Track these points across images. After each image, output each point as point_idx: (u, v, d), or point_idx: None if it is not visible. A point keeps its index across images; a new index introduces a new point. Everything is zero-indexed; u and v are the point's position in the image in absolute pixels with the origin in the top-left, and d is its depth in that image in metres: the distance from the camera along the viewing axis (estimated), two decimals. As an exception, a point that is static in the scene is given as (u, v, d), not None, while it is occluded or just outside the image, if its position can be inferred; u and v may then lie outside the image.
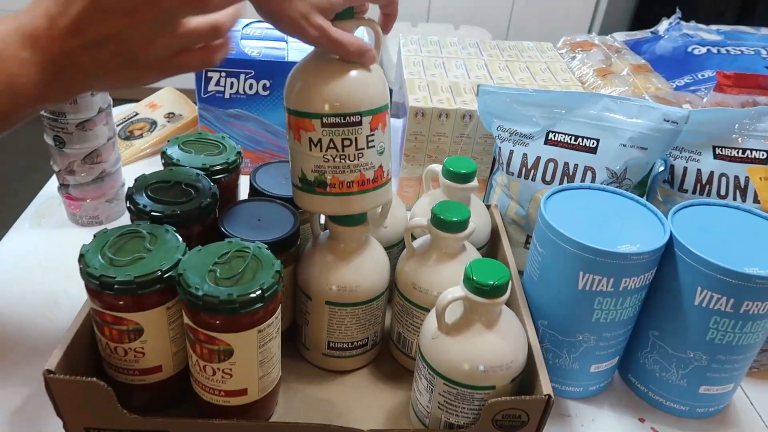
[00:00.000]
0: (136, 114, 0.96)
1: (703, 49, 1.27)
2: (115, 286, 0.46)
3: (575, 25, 2.42)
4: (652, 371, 0.59)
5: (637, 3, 2.94)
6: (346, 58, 0.49)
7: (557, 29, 2.45)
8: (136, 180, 0.58)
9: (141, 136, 0.92)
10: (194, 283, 0.45)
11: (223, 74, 0.81)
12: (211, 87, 0.82)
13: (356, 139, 0.50)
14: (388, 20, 0.53)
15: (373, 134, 0.50)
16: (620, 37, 1.40)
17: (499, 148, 0.71)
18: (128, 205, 0.55)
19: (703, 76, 1.22)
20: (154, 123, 0.94)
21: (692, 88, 1.19)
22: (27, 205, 0.81)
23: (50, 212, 0.79)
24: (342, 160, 0.50)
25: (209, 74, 0.81)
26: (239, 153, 0.64)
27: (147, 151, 0.91)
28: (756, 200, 0.67)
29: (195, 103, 0.98)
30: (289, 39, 0.87)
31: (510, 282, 0.49)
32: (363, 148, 0.50)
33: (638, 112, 0.66)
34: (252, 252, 0.49)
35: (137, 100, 0.99)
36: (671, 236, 0.54)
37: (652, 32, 1.41)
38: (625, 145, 0.66)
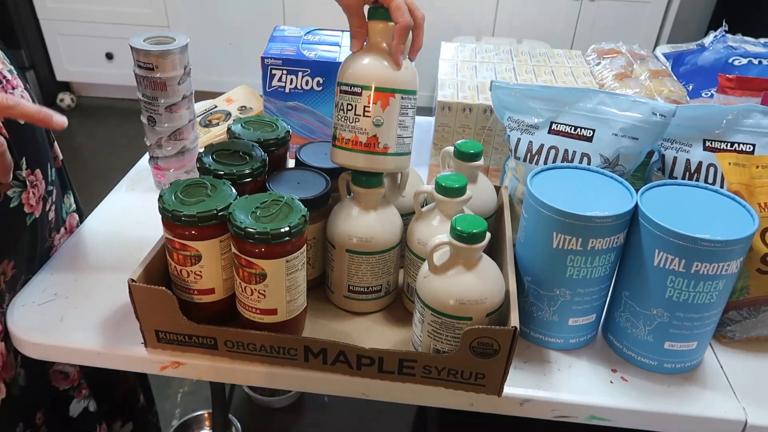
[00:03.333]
0: (215, 107, 1.13)
1: (744, 61, 1.31)
2: (183, 218, 0.61)
3: (643, 38, 2.45)
4: (625, 328, 0.68)
5: (711, 17, 2.91)
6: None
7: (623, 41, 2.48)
8: (206, 147, 0.73)
9: (218, 124, 1.09)
10: (240, 219, 0.60)
11: (285, 71, 0.97)
12: (275, 82, 0.98)
13: (355, 106, 0.65)
14: (413, 49, 0.68)
15: (369, 107, 0.64)
16: (665, 49, 1.46)
17: (509, 136, 0.82)
18: (197, 164, 0.71)
19: (738, 85, 1.26)
20: (228, 114, 1.11)
21: (726, 96, 1.23)
22: (123, 176, 1.00)
23: (142, 179, 0.97)
24: (344, 121, 0.66)
25: (273, 71, 0.97)
26: (288, 131, 0.79)
27: (222, 136, 1.08)
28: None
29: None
30: (343, 43, 1.02)
31: (486, 232, 0.60)
32: (360, 115, 0.65)
33: (629, 106, 0.75)
34: (285, 201, 0.63)
35: (218, 95, 1.17)
36: (636, 206, 0.63)
37: (698, 45, 1.46)
38: (616, 135, 0.75)
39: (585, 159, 0.77)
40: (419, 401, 0.66)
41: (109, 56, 2.74)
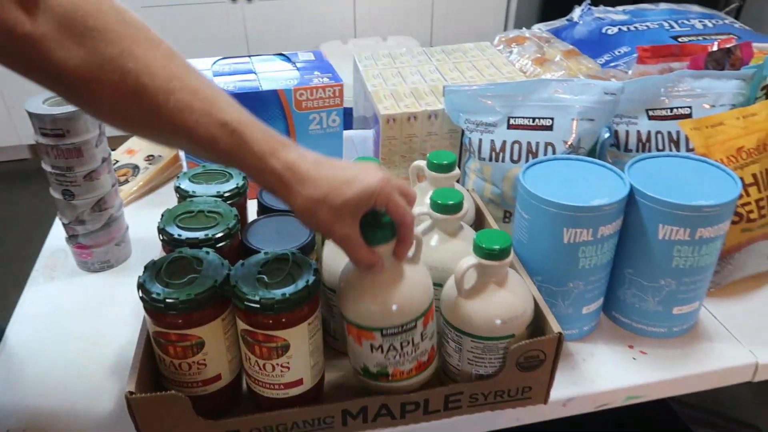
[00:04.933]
0: (117, 161, 1.00)
1: (615, 29, 1.42)
2: (180, 306, 0.52)
3: (492, 23, 2.58)
4: (632, 304, 0.70)
5: (542, 3, 3.16)
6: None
7: (476, 29, 2.60)
8: (162, 215, 0.63)
9: (127, 181, 0.96)
10: (249, 291, 0.52)
11: (204, 111, 0.87)
12: (194, 124, 0.87)
13: (412, 339, 0.57)
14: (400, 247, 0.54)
15: (425, 329, 0.58)
16: (541, 27, 1.54)
17: (469, 138, 0.80)
18: (162, 237, 0.61)
19: (619, 52, 1.36)
20: (136, 167, 0.98)
21: (613, 64, 1.33)
22: (30, 263, 0.84)
23: (59, 264, 0.82)
24: (401, 357, 0.57)
25: (191, 113, 0.86)
26: (245, 177, 0.71)
27: (135, 195, 0.95)
28: (689, 148, 0.79)
29: (172, 142, 1.03)
30: (258, 70, 0.94)
31: (511, 245, 0.58)
32: (419, 343, 0.57)
33: (582, 89, 0.77)
34: (288, 257, 0.56)
35: (113, 149, 1.03)
36: (631, 187, 0.64)
37: (567, 20, 1.56)
38: (575, 119, 0.77)
39: (549, 148, 0.78)
40: (466, 432, 0.63)
41: None
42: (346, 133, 1.08)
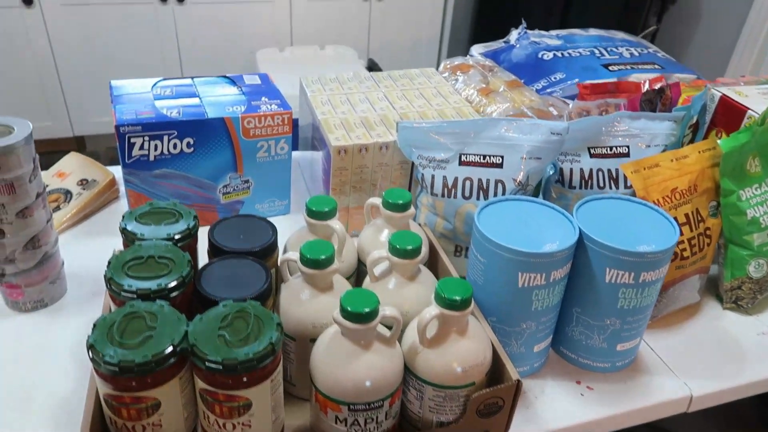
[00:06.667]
0: (47, 186, 0.93)
1: (550, 54, 1.48)
2: (135, 369, 0.49)
3: (428, 32, 2.62)
4: (579, 341, 0.73)
5: (475, 14, 3.26)
6: None
7: (412, 39, 2.63)
8: (109, 262, 0.60)
9: (59, 208, 0.90)
10: (210, 351, 0.50)
11: (147, 138, 0.83)
12: (135, 152, 0.83)
13: (377, 416, 0.57)
14: None
15: (391, 408, 0.58)
16: (480, 49, 1.58)
17: (422, 174, 0.81)
18: (112, 287, 0.57)
19: (555, 78, 1.42)
20: (68, 193, 0.92)
21: (549, 90, 1.38)
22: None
23: (-15, 304, 0.76)
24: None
25: (132, 140, 0.82)
26: (195, 217, 0.68)
27: (67, 223, 0.90)
28: (627, 185, 0.83)
29: (106, 165, 0.98)
30: (202, 93, 0.91)
31: (472, 294, 0.58)
32: (383, 421, 0.58)
33: (530, 129, 0.79)
34: (252, 312, 0.54)
35: (43, 168, 0.96)
36: (580, 231, 0.67)
37: (505, 42, 1.60)
38: (524, 158, 0.79)
39: (500, 185, 0.80)
40: (425, 475, 0.63)
41: None
42: (293, 155, 1.06)
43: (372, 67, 2.21)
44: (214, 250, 0.68)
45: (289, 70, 2.04)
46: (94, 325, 0.52)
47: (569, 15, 2.64)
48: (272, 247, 0.68)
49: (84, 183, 0.94)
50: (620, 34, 1.74)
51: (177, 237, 0.65)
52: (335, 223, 0.69)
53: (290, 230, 0.74)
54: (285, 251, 0.73)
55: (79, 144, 2.49)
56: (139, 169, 0.85)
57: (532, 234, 0.66)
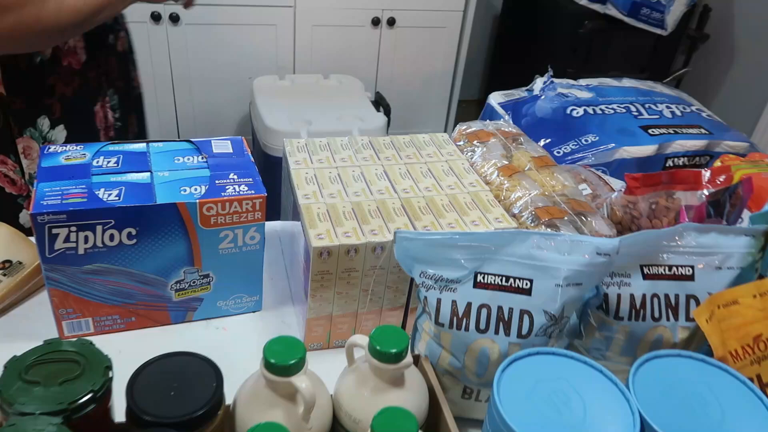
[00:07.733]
0: (-43, 269, 0.75)
1: (580, 110, 1.30)
2: None
3: (441, 66, 2.44)
4: None
5: (493, 47, 3.10)
6: None
7: (423, 73, 2.45)
8: None
9: (-33, 303, 0.72)
10: None
11: (74, 228, 0.64)
12: (59, 245, 0.65)
13: None
14: None
15: None
16: (499, 98, 1.39)
17: (425, 297, 0.62)
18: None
19: (586, 141, 1.24)
20: (-17, 280, 0.74)
21: (580, 154, 1.20)
22: None
23: None
24: None
25: (54, 231, 0.64)
26: (109, 366, 0.50)
27: (-23, 320, 0.71)
28: (689, 317, 0.65)
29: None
30: (155, 167, 0.73)
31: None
32: None
33: (570, 248, 0.61)
34: None
35: (-43, 247, 0.78)
36: (641, 418, 0.48)
37: (528, 90, 1.42)
38: (560, 285, 0.60)
39: (526, 317, 0.61)
40: None
41: None
42: (271, 224, 0.88)
43: (379, 101, 2.03)
44: (133, 419, 0.49)
45: (288, 100, 1.87)
46: None
47: (592, 53, 2.46)
48: (212, 411, 0.50)
49: (7, 266, 0.76)
50: (658, 87, 1.55)
51: (75, 405, 0.46)
52: (301, 381, 0.51)
53: (259, 336, 0.58)
54: (234, 407, 0.54)
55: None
56: (65, 264, 0.67)
57: (572, 419, 0.48)
